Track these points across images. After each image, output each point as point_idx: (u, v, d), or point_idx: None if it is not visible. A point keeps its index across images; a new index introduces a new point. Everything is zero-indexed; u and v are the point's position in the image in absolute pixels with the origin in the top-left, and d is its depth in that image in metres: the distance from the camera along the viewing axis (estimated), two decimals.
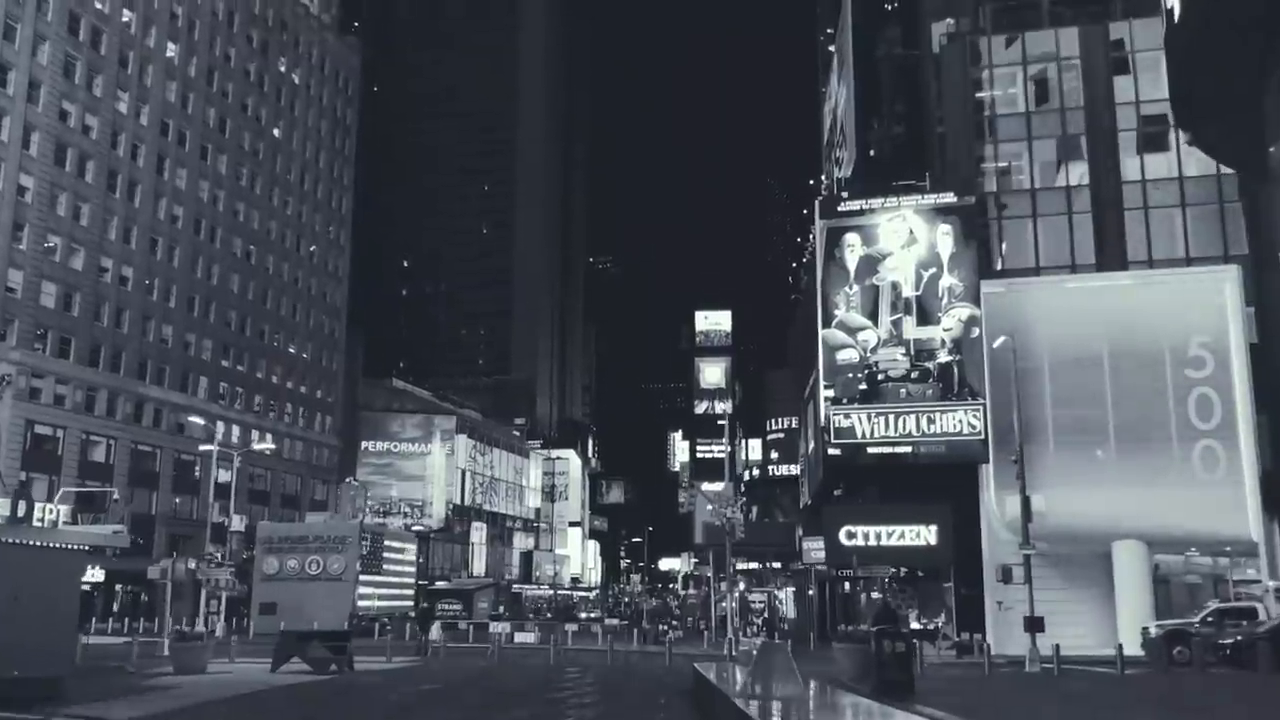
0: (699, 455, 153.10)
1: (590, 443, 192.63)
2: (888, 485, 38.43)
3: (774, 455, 71.24)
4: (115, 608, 65.38)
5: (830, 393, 37.59)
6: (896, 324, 37.52)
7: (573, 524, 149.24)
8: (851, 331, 37.77)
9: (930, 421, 36.57)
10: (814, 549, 45.67)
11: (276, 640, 23.69)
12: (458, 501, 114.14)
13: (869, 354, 37.55)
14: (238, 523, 48.21)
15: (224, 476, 79.83)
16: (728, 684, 15.04)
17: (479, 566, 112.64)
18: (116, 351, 70.18)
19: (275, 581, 49.70)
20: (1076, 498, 37.83)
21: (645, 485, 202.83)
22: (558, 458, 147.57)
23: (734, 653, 27.31)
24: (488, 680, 21.81)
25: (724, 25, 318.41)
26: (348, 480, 73.56)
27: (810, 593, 54.14)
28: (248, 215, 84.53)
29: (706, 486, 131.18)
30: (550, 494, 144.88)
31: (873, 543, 36.68)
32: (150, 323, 73.39)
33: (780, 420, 70.96)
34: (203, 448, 47.33)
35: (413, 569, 59.31)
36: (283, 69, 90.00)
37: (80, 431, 66.62)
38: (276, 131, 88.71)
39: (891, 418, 36.85)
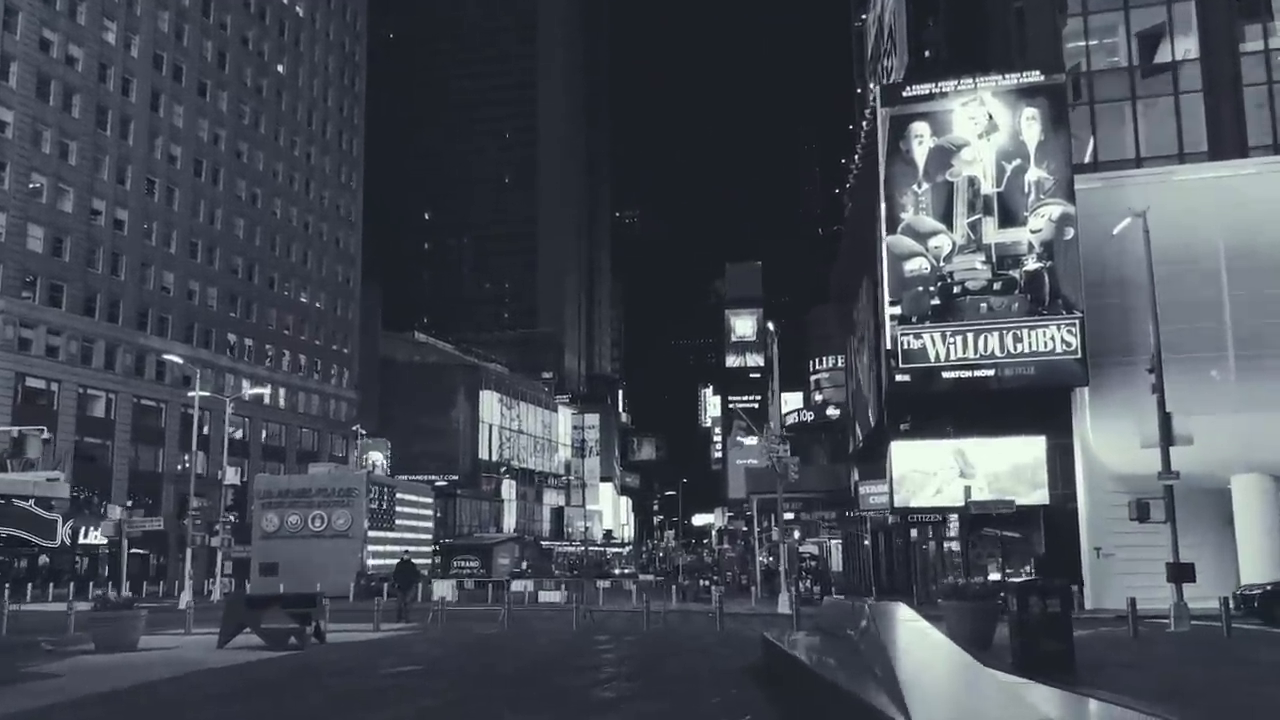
0: (731, 407, 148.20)
1: (620, 397, 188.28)
2: (963, 416, 33.10)
3: (817, 398, 65.80)
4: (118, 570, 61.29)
5: (897, 310, 32.19)
6: (975, 226, 31.95)
7: (604, 479, 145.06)
8: (921, 237, 32.27)
9: (1017, 340, 31.10)
10: (873, 494, 40.53)
11: (223, 606, 19.00)
12: (485, 456, 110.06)
13: (942, 263, 32.05)
14: (232, 475, 43.66)
15: (233, 429, 76.04)
16: (833, 667, 9.89)
17: (509, 523, 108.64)
18: (114, 300, 65.84)
19: (275, 539, 45.33)
20: (1188, 425, 32.02)
21: (676, 442, 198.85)
22: (586, 413, 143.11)
23: (806, 612, 22.22)
24: (488, 655, 16.95)
25: None
26: (354, 428, 68.91)
27: (866, 543, 49.09)
28: (252, 156, 79.65)
29: (739, 440, 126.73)
30: (581, 449, 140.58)
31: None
32: (150, 270, 68.95)
33: (824, 360, 65.42)
34: (191, 394, 42.58)
35: (430, 525, 54.85)
36: (285, 1, 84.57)
37: (76, 385, 62.46)
38: (280, 68, 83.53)
39: (970, 336, 31.42)
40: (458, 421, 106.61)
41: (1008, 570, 33.12)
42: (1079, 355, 30.93)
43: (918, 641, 8.85)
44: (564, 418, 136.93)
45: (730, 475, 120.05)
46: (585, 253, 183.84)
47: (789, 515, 43.16)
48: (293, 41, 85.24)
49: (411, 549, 50.87)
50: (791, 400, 77.75)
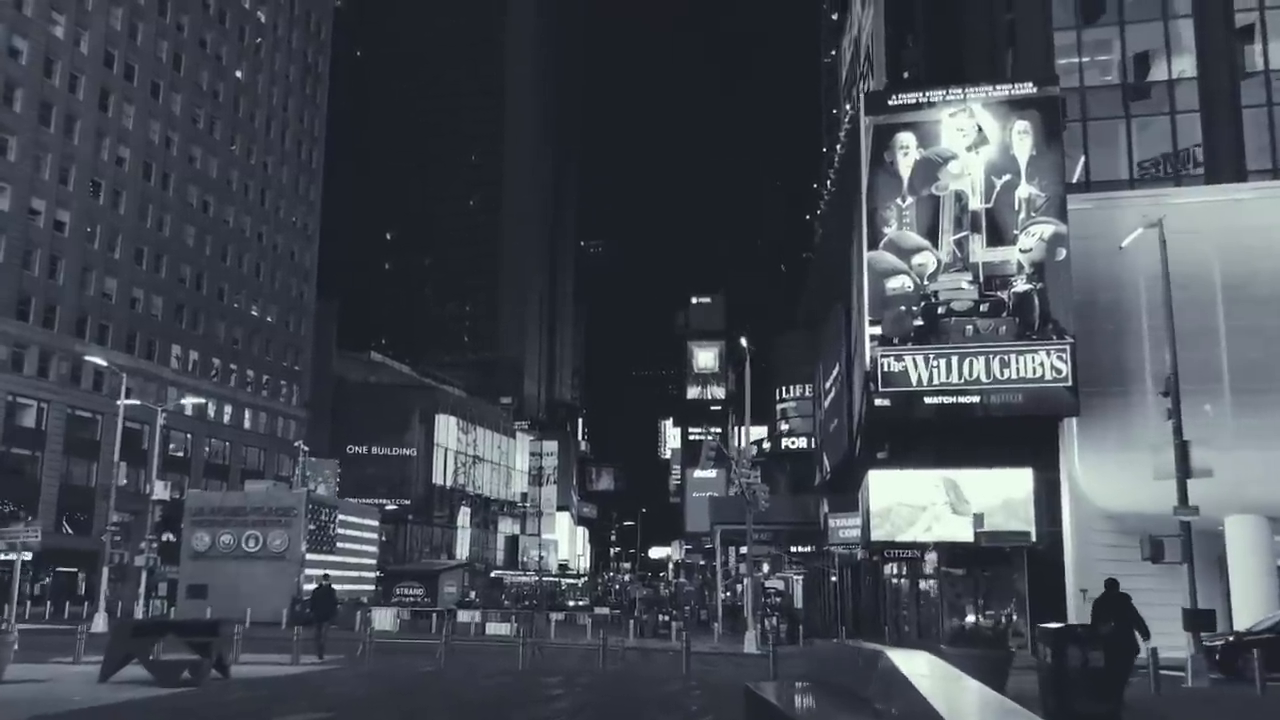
0: (691, 439, 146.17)
1: (580, 426, 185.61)
2: (944, 446, 31.17)
3: (783, 427, 63.82)
4: (37, 591, 57.75)
5: (877, 330, 30.22)
6: (961, 244, 30.16)
7: (561, 508, 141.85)
8: (905, 254, 30.41)
9: (1004, 365, 29.24)
10: (844, 527, 38.47)
11: (108, 635, 16.39)
12: (439, 482, 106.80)
13: (926, 281, 30.19)
14: (162, 490, 40.67)
15: (174, 446, 72.61)
16: None
17: (462, 551, 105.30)
18: (50, 305, 62.54)
19: (205, 560, 42.38)
20: (1206, 458, 30.10)
21: (635, 473, 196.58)
22: (545, 440, 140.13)
23: (782, 653, 19.92)
24: (416, 699, 14.52)
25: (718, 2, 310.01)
26: (296, 443, 65.77)
27: (833, 579, 46.92)
28: (205, 162, 76.78)
29: (699, 473, 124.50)
30: (538, 477, 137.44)
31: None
32: (91, 275, 65.70)
33: (791, 389, 63.52)
34: (120, 403, 39.66)
35: (374, 549, 51.90)
36: (246, 4, 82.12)
37: (5, 392, 59.00)
38: (239, 73, 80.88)
39: (955, 360, 29.53)
40: (412, 445, 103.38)
41: (988, 612, 31.07)
42: (1070, 383, 29.14)
43: (971, 705, 6.65)
44: (522, 444, 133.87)
45: (689, 508, 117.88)
46: (548, 278, 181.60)
47: (756, 549, 40.82)
48: (253, 48, 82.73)
49: (352, 574, 48.23)
50: (755, 431, 75.92)
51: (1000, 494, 29.48)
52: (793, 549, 52.77)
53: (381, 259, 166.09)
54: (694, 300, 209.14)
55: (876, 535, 31.11)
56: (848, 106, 53.08)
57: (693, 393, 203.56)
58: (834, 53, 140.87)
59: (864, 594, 45.82)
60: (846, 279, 44.03)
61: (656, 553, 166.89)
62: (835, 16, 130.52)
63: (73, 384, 63.71)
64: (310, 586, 43.33)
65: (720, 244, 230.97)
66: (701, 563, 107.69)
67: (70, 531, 63.02)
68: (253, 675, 16.81)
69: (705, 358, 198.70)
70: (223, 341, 77.85)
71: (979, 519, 26.22)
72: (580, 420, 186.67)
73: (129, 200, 68.87)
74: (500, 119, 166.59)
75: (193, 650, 15.00)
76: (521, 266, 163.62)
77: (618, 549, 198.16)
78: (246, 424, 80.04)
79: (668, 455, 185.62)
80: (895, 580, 36.13)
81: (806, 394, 60.73)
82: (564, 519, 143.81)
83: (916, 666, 7.81)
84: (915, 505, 30.19)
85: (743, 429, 36.01)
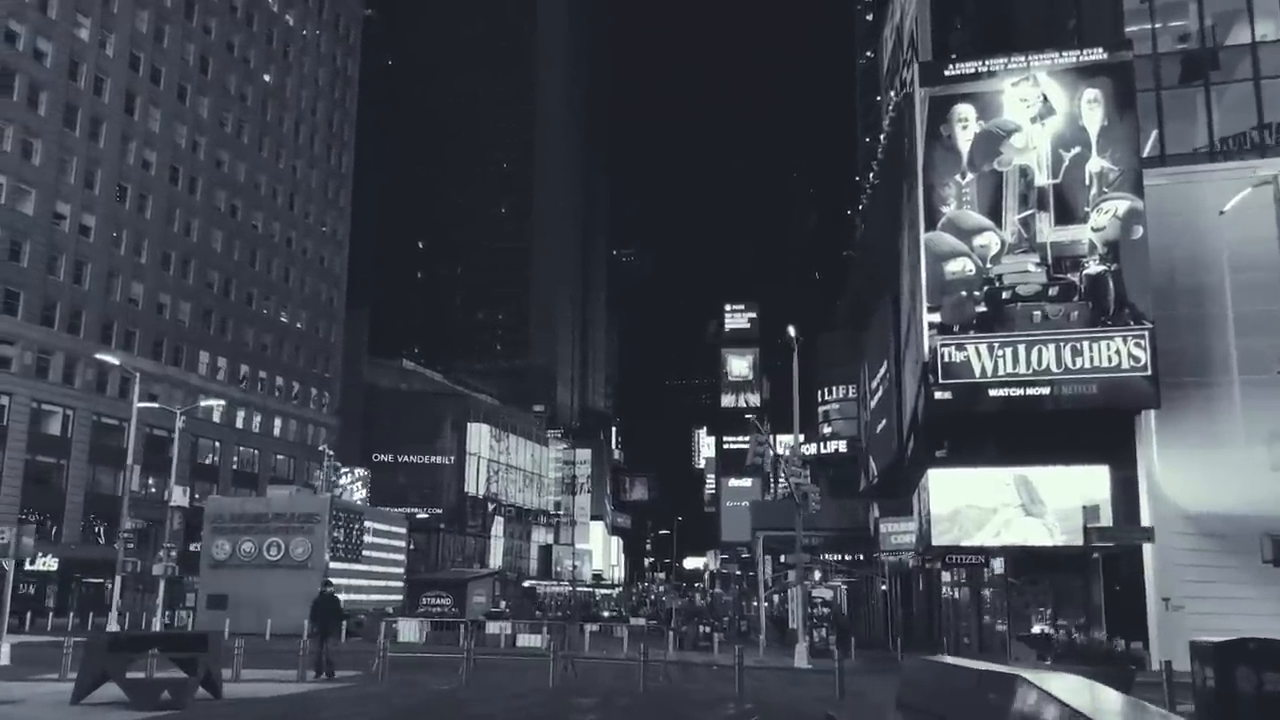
0: (726, 448, 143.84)
1: (614, 434, 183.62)
2: (1008, 442, 28.80)
3: (825, 430, 61.35)
4: (65, 602, 56.57)
5: (936, 317, 27.94)
6: (1027, 223, 27.85)
7: (595, 518, 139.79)
8: (965, 234, 28.14)
9: (1076, 353, 26.86)
10: (897, 532, 36.09)
11: (82, 652, 14.47)
12: (471, 491, 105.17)
13: (989, 264, 27.90)
14: (180, 496, 39.05)
15: (204, 455, 71.41)
16: None
17: (495, 561, 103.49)
18: (76, 310, 61.52)
19: (225, 569, 40.72)
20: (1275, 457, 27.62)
21: (669, 483, 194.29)
22: (578, 448, 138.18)
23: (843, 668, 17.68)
24: None
25: (748, 7, 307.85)
26: (321, 447, 64.14)
27: (883, 588, 44.49)
28: (233, 167, 75.71)
29: (734, 482, 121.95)
30: (571, 486, 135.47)
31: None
32: (117, 280, 64.66)
33: (833, 390, 61.06)
34: (134, 405, 38.23)
35: (401, 557, 50.06)
36: (275, 8, 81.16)
37: (30, 399, 57.93)
38: (267, 77, 79.86)
39: (1022, 348, 27.18)
40: (444, 453, 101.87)
41: (1060, 622, 28.60)
42: (1149, 372, 26.71)
43: None
44: (555, 452, 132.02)
45: (724, 517, 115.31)
46: (580, 286, 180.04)
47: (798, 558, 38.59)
48: (281, 51, 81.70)
49: (379, 584, 46.40)
50: (786, 443, 73.45)
51: (1079, 494, 27.07)
52: (835, 556, 50.38)
53: (413, 267, 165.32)
54: (727, 308, 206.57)
55: (940, 540, 28.73)
56: (891, 94, 50.78)
57: (727, 400, 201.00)
58: (870, 54, 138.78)
59: (916, 604, 43.37)
60: (894, 271, 41.70)
61: (691, 563, 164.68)
62: (870, 18, 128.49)
63: (98, 391, 62.63)
64: (339, 598, 41.65)
65: (753, 253, 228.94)
66: (738, 572, 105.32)
67: (102, 541, 61.85)
68: (248, 695, 14.87)
69: (739, 365, 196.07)
70: (251, 348, 76.66)
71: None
72: (614, 429, 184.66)
73: (155, 205, 67.84)
74: (530, 126, 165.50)
75: (179, 667, 13.11)
76: (553, 274, 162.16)
77: (652, 559, 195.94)
78: (276, 431, 78.76)
79: (701, 465, 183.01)
80: (954, 589, 33.71)
81: (850, 394, 58.28)
82: (598, 528, 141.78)
83: (1092, 701, 5.64)
84: (984, 507, 27.81)
85: (795, 426, 33.78)
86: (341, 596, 42.51)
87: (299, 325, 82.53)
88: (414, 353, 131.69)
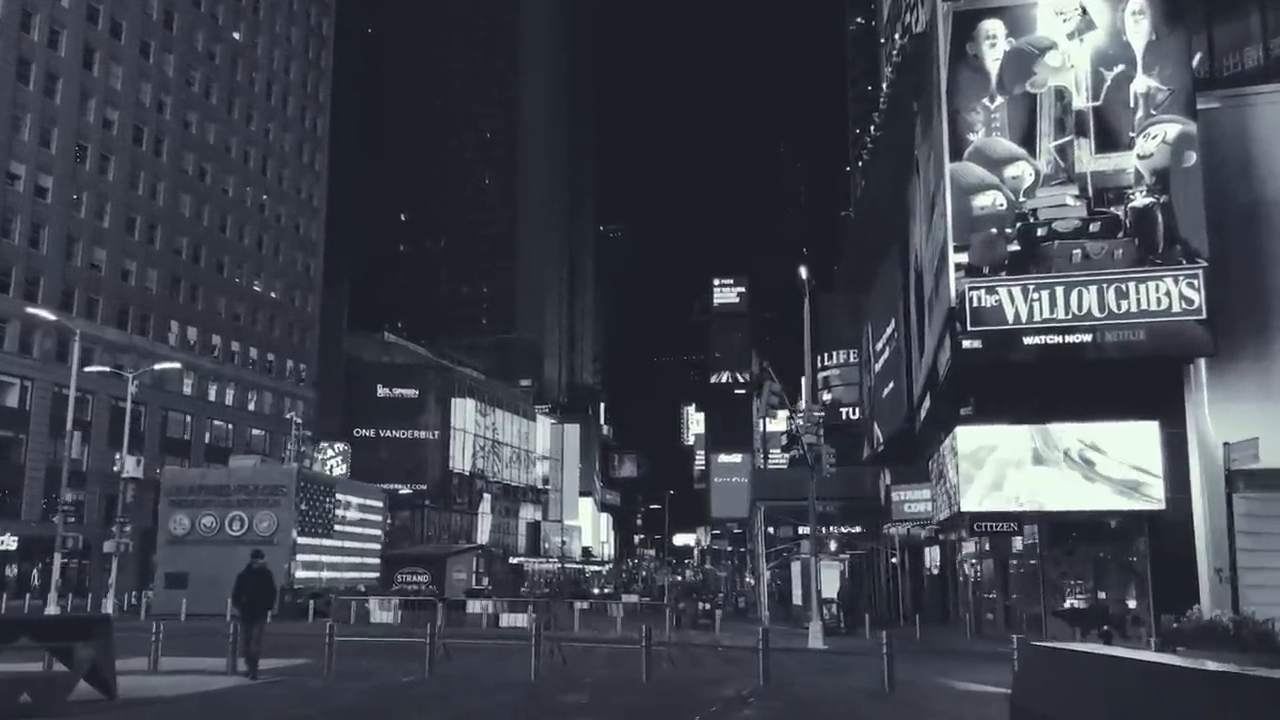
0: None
1: (602, 410, 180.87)
2: (1041, 396, 26.01)
3: (825, 397, 58.53)
4: (35, 580, 53.52)
5: (963, 258, 25.06)
6: (1064, 151, 24.94)
7: (584, 494, 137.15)
8: (995, 165, 25.23)
9: (1121, 295, 24.02)
10: (911, 500, 33.44)
11: None
12: (457, 467, 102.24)
13: (1023, 198, 25.00)
14: (133, 467, 36.02)
15: (176, 430, 68.30)
16: None
17: (482, 538, 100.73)
18: (33, 277, 58.17)
19: (184, 545, 37.73)
20: None
21: (658, 460, 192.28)
22: (566, 423, 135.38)
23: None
24: None
25: None
26: (288, 415, 61.00)
27: (893, 560, 41.83)
28: (201, 128, 72.15)
29: (724, 458, 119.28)
30: (560, 461, 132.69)
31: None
32: (77, 245, 61.29)
33: (834, 354, 58.21)
34: (85, 370, 35.11)
35: (379, 533, 47.13)
36: None
37: None
38: (237, 34, 76.18)
39: (1060, 291, 24.32)
40: (428, 428, 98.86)
41: (1101, 595, 25.89)
42: (1203, 315, 23.87)
43: None
44: (543, 427, 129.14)
45: (715, 493, 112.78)
46: (567, 260, 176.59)
47: (806, 528, 35.87)
48: (250, 6, 77.93)
49: (352, 560, 43.48)
50: (780, 418, 70.74)
51: (1125, 452, 24.26)
52: (838, 529, 47.67)
53: (395, 241, 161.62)
54: (716, 282, 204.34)
55: (968, 506, 25.91)
56: (896, 37, 47.62)
57: (716, 377, 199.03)
58: (860, 20, 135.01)
59: (928, 578, 40.78)
60: (901, 224, 38.86)
61: (680, 540, 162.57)
62: None
63: (59, 360, 59.27)
64: (302, 574, 38.81)
65: (741, 229, 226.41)
66: (729, 549, 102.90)
67: (72, 519, 58.82)
68: (147, 694, 11.93)
69: (729, 340, 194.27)
70: (224, 318, 73.38)
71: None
72: (602, 405, 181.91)
73: (118, 166, 64.36)
74: (515, 98, 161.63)
75: (55, 654, 10.22)
76: (538, 247, 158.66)
77: (642, 535, 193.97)
78: (251, 405, 75.63)
79: (690, 441, 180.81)
80: (977, 561, 30.98)
81: (852, 359, 55.47)
82: (587, 505, 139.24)
83: None
84: (1016, 465, 24.99)
85: (804, 380, 31.00)
86: (310, 574, 39.89)
87: (274, 295, 79.20)
88: (397, 327, 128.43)
